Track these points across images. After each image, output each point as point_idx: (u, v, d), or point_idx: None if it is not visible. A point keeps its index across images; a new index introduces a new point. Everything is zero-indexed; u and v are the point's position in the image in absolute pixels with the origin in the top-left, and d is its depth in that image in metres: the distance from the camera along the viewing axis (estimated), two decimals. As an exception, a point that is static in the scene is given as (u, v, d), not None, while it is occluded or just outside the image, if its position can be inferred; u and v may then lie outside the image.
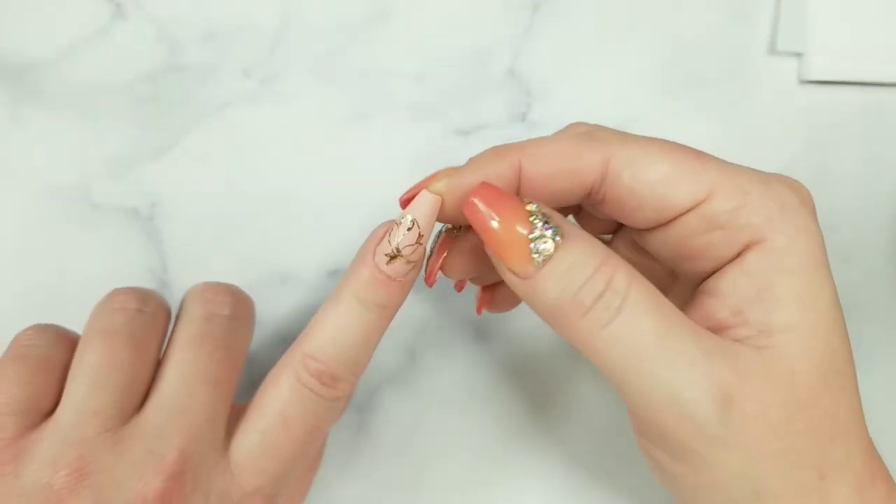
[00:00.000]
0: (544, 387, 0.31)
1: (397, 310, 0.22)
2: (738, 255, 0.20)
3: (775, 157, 0.32)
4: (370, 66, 0.30)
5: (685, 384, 0.18)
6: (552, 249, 0.18)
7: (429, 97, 0.31)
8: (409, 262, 0.20)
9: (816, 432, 0.19)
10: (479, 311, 0.26)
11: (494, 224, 0.18)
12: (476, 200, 0.19)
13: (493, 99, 0.31)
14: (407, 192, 0.21)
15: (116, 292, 0.22)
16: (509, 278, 0.19)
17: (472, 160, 0.21)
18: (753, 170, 0.20)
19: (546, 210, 0.19)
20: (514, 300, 0.26)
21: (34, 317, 0.27)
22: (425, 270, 0.23)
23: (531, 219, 0.18)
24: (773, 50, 0.32)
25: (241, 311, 0.23)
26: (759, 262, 0.20)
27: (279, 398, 0.21)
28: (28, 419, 0.20)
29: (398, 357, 0.30)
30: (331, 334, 0.21)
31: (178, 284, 0.28)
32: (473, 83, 0.31)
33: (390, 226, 0.21)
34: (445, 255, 0.23)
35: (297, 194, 0.30)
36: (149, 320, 0.22)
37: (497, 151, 0.21)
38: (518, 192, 0.21)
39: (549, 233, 0.18)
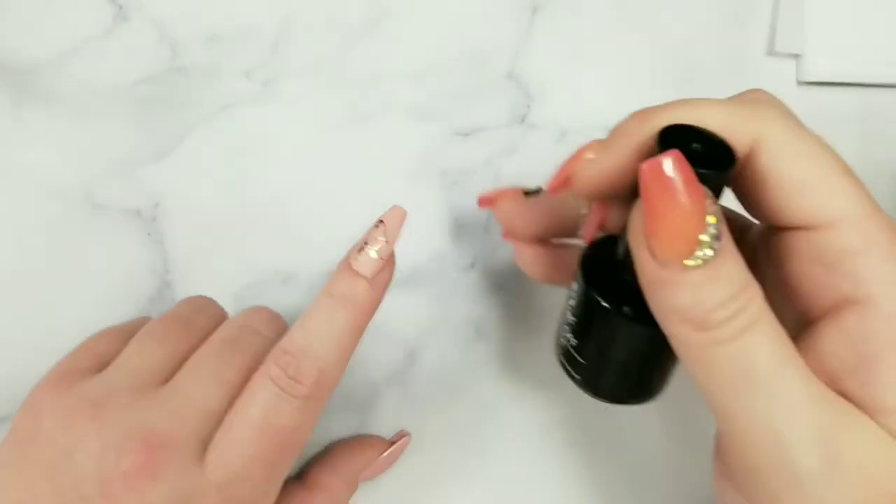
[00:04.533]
0: (544, 387, 0.31)
1: (368, 311, 0.22)
2: (837, 308, 0.18)
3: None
4: (370, 68, 0.31)
5: (790, 425, 0.17)
6: (708, 257, 0.16)
7: (429, 99, 0.31)
8: (376, 255, 0.22)
9: None
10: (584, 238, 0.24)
11: (677, 203, 0.16)
12: (669, 170, 0.17)
13: (493, 101, 0.31)
14: (552, 181, 0.22)
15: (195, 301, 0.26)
16: (644, 258, 0.17)
17: (616, 131, 0.20)
18: (892, 220, 0.18)
19: (719, 215, 0.17)
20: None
21: (36, 317, 0.27)
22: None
23: (707, 217, 0.17)
24: (771, 51, 0.32)
25: (272, 332, 0.24)
26: (863, 325, 0.18)
27: (248, 393, 0.22)
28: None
29: (398, 357, 0.30)
30: (300, 325, 0.22)
31: (180, 284, 0.28)
32: (473, 85, 0.31)
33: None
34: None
35: (298, 195, 0.30)
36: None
37: (640, 117, 0.19)
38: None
39: (712, 240, 0.17)
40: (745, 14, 0.33)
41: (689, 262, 0.16)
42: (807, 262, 0.18)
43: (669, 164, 0.16)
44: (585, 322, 0.22)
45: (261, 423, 0.21)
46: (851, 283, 0.18)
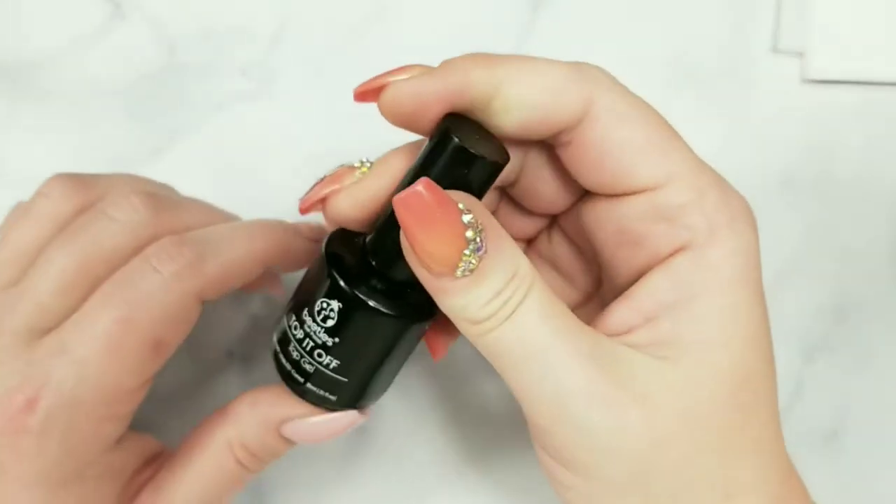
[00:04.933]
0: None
1: (278, 247, 0.23)
2: (669, 256, 0.19)
3: (777, 155, 0.31)
4: (369, 65, 0.30)
5: (566, 383, 0.18)
6: (473, 266, 0.18)
7: (428, 96, 0.31)
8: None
9: (720, 451, 0.18)
10: (437, 358, 0.25)
11: (433, 229, 0.17)
12: (423, 199, 0.17)
13: (493, 98, 0.31)
14: (362, 86, 0.21)
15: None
16: (421, 272, 0.18)
17: (448, 63, 0.19)
18: (715, 172, 0.20)
19: (484, 220, 0.18)
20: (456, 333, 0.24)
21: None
22: (304, 196, 0.23)
23: (466, 233, 0.18)
24: (775, 49, 0.32)
25: (131, 212, 0.22)
26: (687, 268, 0.19)
27: (116, 273, 0.21)
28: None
29: (397, 357, 0.30)
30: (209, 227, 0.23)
31: (177, 284, 0.28)
32: (473, 82, 0.31)
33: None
34: (335, 189, 0.22)
35: (296, 194, 0.30)
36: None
37: (478, 61, 0.19)
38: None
39: (472, 253, 0.18)
40: (748, 11, 0.32)
41: (458, 273, 0.18)
42: (647, 220, 0.19)
43: (422, 192, 0.17)
44: (353, 339, 0.21)
45: (111, 297, 0.20)
46: (686, 232, 0.19)
